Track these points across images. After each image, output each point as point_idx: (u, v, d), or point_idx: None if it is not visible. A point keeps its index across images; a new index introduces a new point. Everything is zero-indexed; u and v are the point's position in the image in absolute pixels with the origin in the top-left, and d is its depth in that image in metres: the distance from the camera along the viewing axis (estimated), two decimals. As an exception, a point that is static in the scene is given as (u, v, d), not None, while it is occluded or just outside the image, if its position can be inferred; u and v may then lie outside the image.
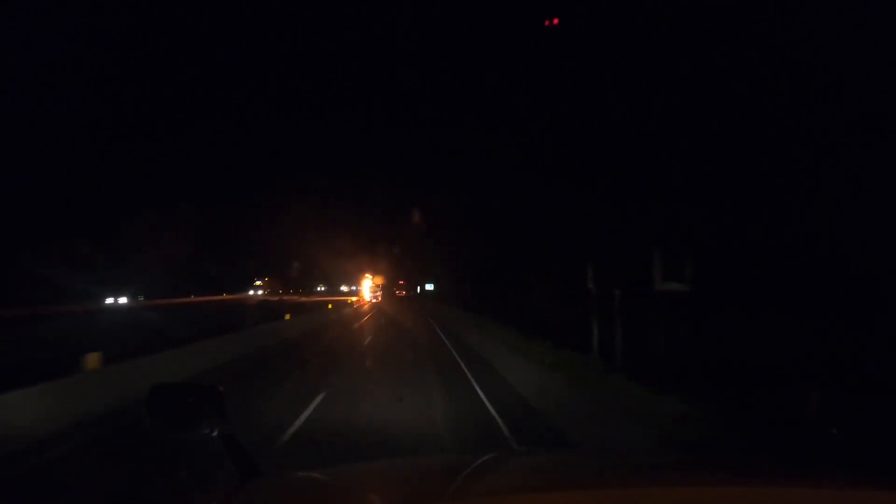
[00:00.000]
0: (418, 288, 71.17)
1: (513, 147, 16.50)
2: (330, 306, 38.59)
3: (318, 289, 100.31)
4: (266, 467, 1.53)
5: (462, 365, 11.64)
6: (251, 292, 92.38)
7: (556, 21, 11.09)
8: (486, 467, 1.62)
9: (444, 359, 12.94)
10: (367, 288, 65.46)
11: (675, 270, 8.20)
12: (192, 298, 66.49)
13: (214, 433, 1.51)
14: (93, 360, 8.19)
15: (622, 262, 9.83)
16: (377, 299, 60.15)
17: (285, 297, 73.37)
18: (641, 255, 8.91)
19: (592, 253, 10.67)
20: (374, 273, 67.17)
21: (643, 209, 9.08)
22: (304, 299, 67.67)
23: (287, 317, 24.53)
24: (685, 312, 8.05)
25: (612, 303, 9.39)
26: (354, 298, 64.00)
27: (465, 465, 1.61)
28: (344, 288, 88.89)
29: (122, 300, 56.26)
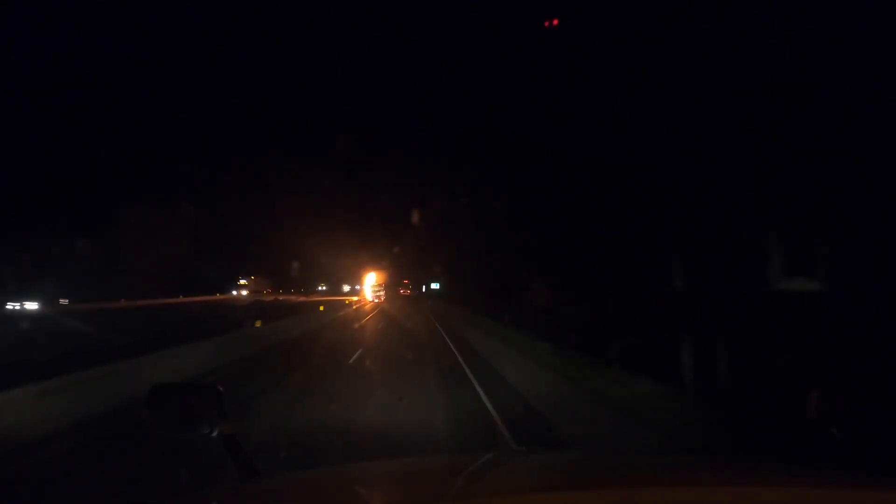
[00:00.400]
0: (423, 287, 71.03)
1: (544, 118, 14.47)
2: (322, 308, 33.59)
3: (320, 288, 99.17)
4: None
5: (486, 402, 7.78)
6: (234, 292, 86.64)
7: (556, 22, 11.06)
8: (487, 468, 1.62)
9: (452, 373, 10.05)
10: (370, 287, 62.69)
11: (804, 262, 5.97)
12: (181, 299, 63.98)
13: (214, 433, 1.52)
14: None
15: (719, 251, 7.30)
16: (379, 299, 56.96)
17: (281, 297, 70.33)
18: (750, 240, 6.71)
19: (676, 238, 7.91)
20: (378, 272, 65.75)
21: (754, 175, 6.66)
22: (302, 299, 65.61)
23: (258, 324, 20.17)
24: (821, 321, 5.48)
25: (705, 307, 6.73)
26: (355, 298, 61.59)
27: (465, 466, 1.61)
28: (347, 287, 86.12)
29: (31, 305, 44.44)
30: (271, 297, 70.35)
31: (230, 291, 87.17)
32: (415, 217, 42.40)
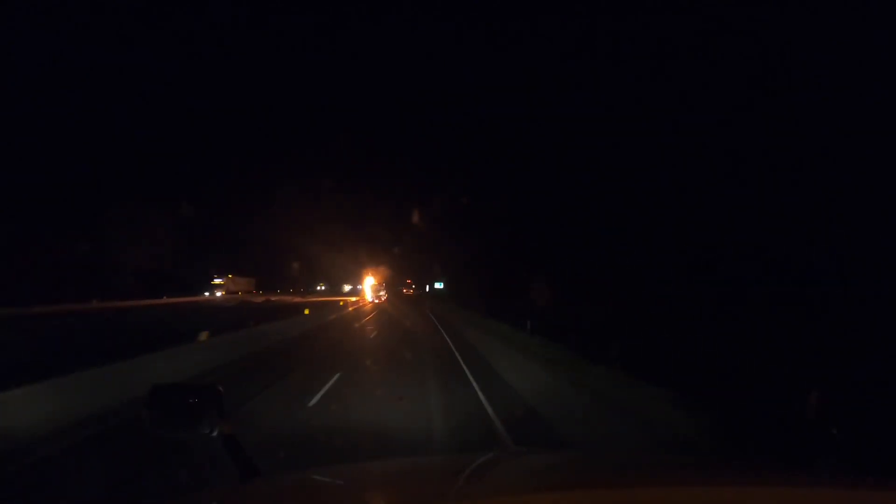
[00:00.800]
0: (426, 287, 71.08)
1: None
2: (307, 311, 27.62)
3: (319, 288, 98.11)
4: None
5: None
6: (207, 293, 75.89)
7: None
8: (487, 468, 1.62)
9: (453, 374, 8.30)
10: (370, 287, 61.30)
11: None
12: (165, 300, 60.87)
13: (214, 433, 1.52)
14: None
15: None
16: (380, 300, 55.41)
17: (274, 298, 66.63)
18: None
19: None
20: (379, 271, 64.85)
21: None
22: (298, 300, 63.21)
23: (203, 336, 14.39)
24: None
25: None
26: (353, 299, 59.37)
27: (465, 466, 1.61)
28: (347, 287, 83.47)
29: None
30: (262, 298, 66.18)
31: (203, 292, 75.77)
32: (415, 217, 42.35)
